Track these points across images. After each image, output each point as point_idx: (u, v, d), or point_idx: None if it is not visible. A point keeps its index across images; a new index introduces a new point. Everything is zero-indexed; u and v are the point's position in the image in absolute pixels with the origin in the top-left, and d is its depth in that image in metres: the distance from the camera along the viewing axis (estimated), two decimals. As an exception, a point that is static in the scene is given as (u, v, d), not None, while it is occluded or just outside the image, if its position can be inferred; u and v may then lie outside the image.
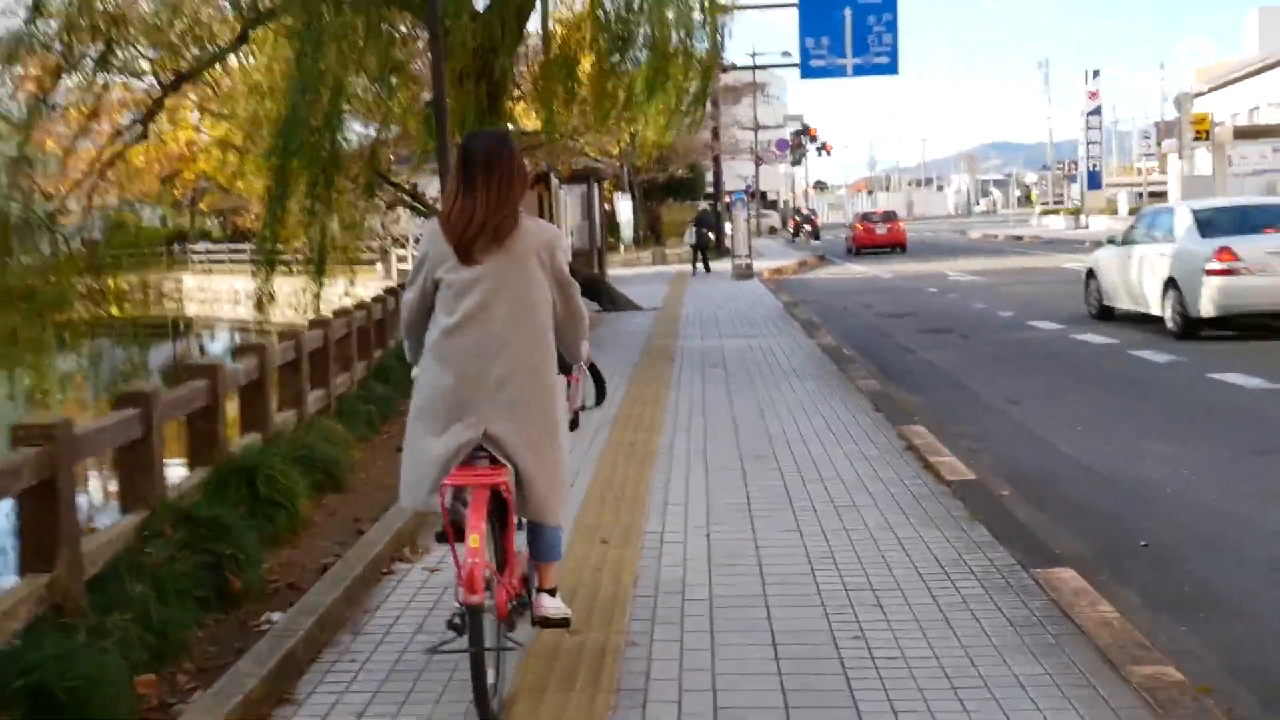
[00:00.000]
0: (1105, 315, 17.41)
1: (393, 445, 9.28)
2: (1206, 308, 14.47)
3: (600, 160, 39.43)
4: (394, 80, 14.37)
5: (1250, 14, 58.81)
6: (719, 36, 17.22)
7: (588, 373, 4.96)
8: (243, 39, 14.40)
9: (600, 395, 5.15)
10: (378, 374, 11.59)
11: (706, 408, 10.38)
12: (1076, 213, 61.61)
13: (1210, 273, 14.40)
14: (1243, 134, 48.57)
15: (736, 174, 59.06)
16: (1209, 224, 15.35)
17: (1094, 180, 58.80)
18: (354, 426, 9.49)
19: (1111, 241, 18.13)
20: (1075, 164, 73.42)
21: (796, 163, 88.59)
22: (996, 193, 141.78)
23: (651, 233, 44.28)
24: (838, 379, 11.86)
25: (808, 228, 65.50)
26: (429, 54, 12.56)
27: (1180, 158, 37.13)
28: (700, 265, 33.78)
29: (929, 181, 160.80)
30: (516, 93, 17.06)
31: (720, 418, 9.86)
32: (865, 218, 48.53)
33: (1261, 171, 45.60)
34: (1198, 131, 45.25)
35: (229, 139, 20.00)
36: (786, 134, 68.04)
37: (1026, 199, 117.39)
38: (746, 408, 10.30)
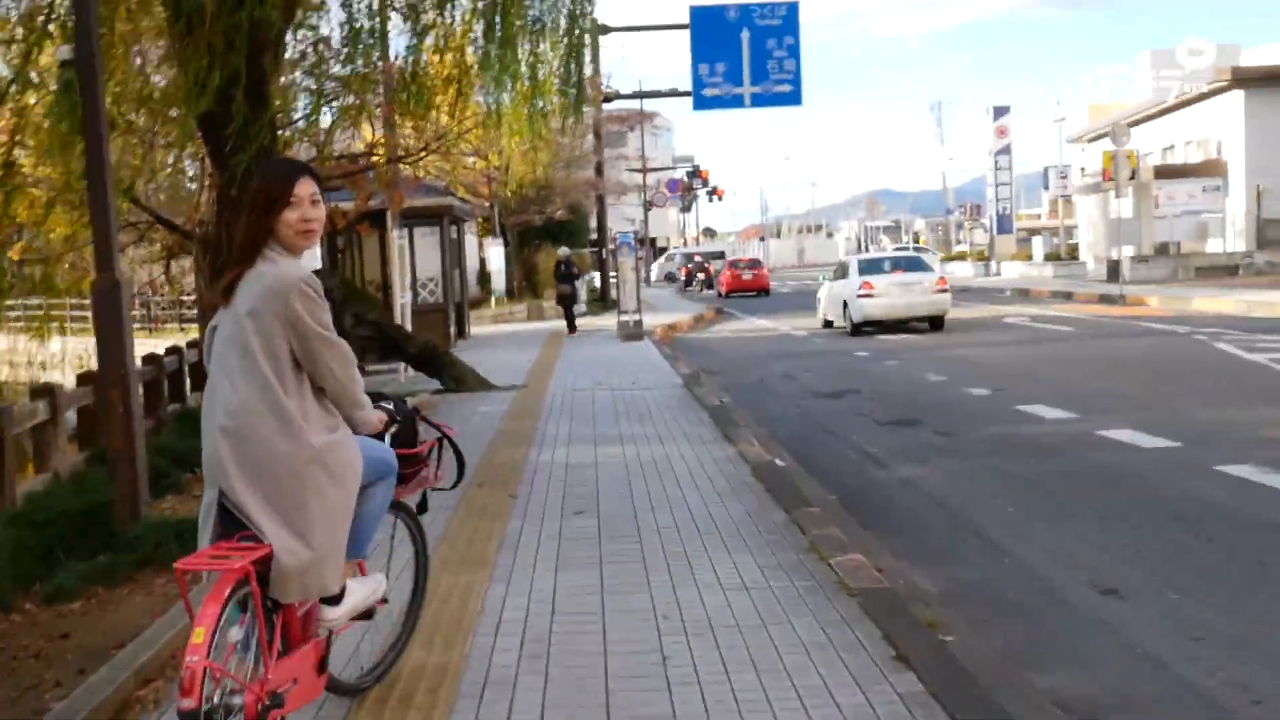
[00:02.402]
0: (827, 325, 27.30)
1: None
2: (856, 316, 24.58)
3: (465, 200, 34.30)
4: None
5: (1142, 56, 56.26)
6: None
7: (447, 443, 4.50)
8: None
9: (460, 474, 4.63)
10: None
11: (554, 644, 5.23)
12: (985, 258, 57.85)
13: (859, 296, 24.44)
14: (1164, 173, 45.38)
15: (624, 217, 54.30)
16: (866, 268, 25.39)
17: (1004, 224, 55.04)
18: None
19: (826, 279, 28.93)
20: (977, 208, 70.30)
21: (686, 208, 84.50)
22: (886, 239, 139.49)
23: (527, 283, 39.09)
24: (792, 545, 6.82)
25: (701, 276, 60.95)
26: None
27: (1118, 195, 33.18)
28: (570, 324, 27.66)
29: (819, 228, 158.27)
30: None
31: (581, 688, 4.72)
32: (733, 264, 51.89)
33: (1192, 212, 42.27)
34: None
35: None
36: (677, 176, 63.57)
37: (915, 245, 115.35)
38: (635, 648, 5.15)
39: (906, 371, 17.24)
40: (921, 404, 13.69)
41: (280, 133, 12.58)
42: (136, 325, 41.62)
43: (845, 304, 25.23)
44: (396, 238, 17.77)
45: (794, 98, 34.24)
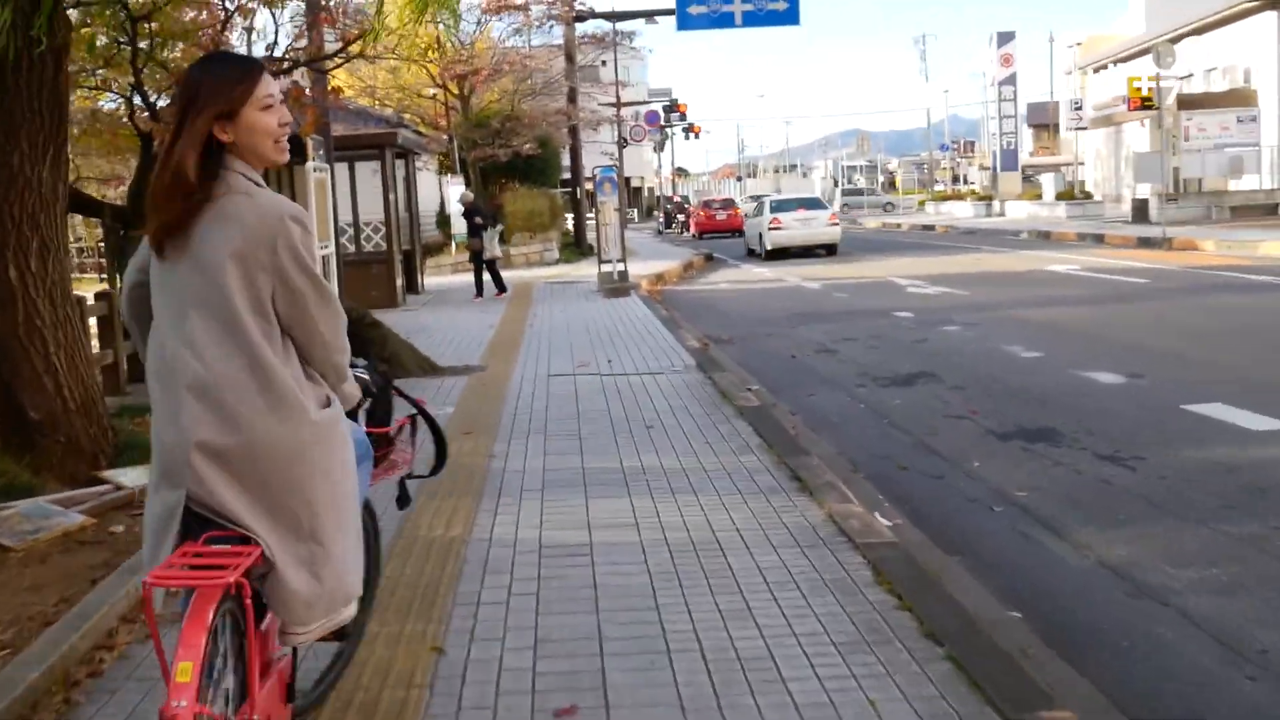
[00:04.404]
0: (750, 254, 33.94)
1: None
2: (769, 245, 31.55)
3: (420, 133, 30.00)
4: None
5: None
6: None
7: (422, 422, 3.68)
8: None
9: (441, 459, 3.82)
10: None
11: None
12: (987, 198, 53.76)
13: (770, 228, 31.64)
14: (1186, 104, 41.37)
15: (599, 152, 50.02)
16: (776, 207, 32.69)
17: (1008, 160, 50.69)
18: None
19: (748, 215, 38.03)
20: (971, 144, 66.30)
21: (660, 147, 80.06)
22: (862, 179, 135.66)
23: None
24: None
25: (680, 217, 56.95)
26: None
27: (1161, 124, 29.27)
28: (488, 282, 21.41)
29: (794, 167, 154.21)
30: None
31: None
32: (707, 204, 51.93)
33: (1224, 146, 38.27)
34: (1141, 100, 37.88)
35: None
36: (654, 109, 59.11)
37: (891, 185, 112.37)
38: None
39: (980, 342, 13.26)
40: (1037, 398, 9.74)
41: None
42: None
43: (760, 235, 32.21)
44: (313, 170, 13.58)
45: (790, 16, 30.98)
